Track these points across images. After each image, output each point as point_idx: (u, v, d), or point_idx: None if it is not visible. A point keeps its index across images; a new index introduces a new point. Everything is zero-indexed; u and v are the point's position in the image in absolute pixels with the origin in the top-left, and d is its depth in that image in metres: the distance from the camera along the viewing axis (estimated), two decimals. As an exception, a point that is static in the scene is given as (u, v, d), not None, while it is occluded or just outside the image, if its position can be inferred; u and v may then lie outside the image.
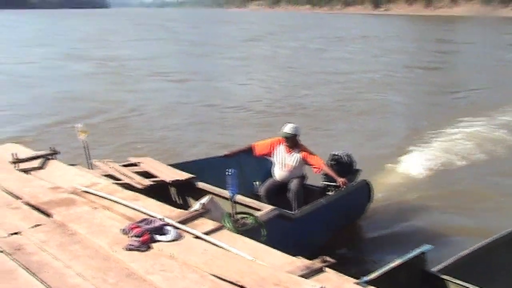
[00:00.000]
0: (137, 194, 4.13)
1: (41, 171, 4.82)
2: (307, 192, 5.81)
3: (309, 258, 3.04)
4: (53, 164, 4.99)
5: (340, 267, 2.99)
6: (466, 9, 60.50)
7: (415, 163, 8.44)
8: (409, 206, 6.79)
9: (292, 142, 5.71)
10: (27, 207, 3.83)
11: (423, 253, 3.60)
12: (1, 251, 3.03)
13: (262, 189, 5.76)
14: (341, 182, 5.52)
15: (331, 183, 5.79)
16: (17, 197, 4.06)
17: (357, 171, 6.17)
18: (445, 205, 6.89)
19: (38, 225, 3.48)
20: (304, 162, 5.73)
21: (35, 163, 4.95)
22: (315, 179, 6.08)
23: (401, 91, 16.64)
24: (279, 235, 3.90)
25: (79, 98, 14.42)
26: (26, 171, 4.78)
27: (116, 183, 4.55)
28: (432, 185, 7.61)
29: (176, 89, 16.64)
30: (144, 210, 3.65)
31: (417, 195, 7.19)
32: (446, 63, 24.44)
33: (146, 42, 36.27)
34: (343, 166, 6.00)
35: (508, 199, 7.01)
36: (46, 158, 5.08)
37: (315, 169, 5.71)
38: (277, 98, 14.79)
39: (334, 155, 6.12)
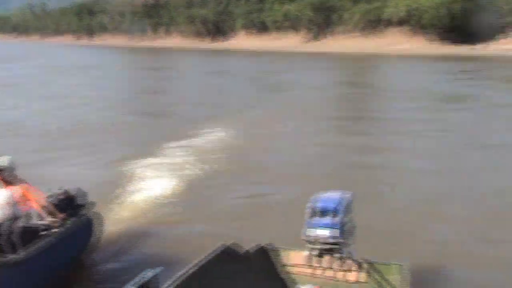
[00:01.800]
0: None
1: None
2: (28, 233, 5.36)
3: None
4: None
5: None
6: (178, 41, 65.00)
7: (152, 187, 8.68)
8: (143, 232, 6.92)
9: (5, 177, 5.21)
10: None
11: (155, 275, 3.78)
12: None
13: None
14: (52, 221, 5.24)
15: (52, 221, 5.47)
16: None
17: (83, 205, 5.90)
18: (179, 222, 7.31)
19: None
20: (20, 198, 5.23)
21: None
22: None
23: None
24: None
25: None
26: None
27: None
28: (171, 206, 7.93)
29: None
30: None
31: (151, 219, 7.37)
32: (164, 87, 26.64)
33: None
34: (65, 201, 5.75)
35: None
36: None
37: (32, 205, 5.30)
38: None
39: (57, 190, 5.81)
